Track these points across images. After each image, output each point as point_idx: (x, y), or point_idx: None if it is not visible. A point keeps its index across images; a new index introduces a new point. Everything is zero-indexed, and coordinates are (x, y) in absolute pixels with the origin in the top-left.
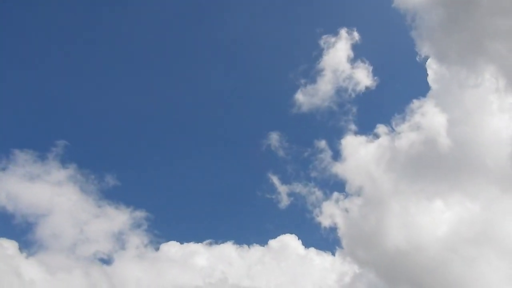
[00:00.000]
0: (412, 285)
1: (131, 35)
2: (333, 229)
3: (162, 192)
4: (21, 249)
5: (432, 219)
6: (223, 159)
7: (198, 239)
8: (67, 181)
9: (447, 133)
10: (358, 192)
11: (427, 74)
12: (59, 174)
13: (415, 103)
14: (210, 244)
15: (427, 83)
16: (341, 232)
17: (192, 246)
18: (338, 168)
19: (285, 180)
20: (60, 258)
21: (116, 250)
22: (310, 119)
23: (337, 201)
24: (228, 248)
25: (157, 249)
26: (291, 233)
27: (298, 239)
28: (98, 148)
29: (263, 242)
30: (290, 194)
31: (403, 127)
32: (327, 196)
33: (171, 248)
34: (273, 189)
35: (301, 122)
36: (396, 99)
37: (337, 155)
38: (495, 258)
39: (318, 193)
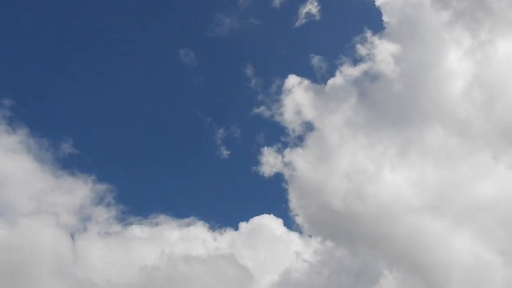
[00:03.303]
0: (370, 248)
1: None
2: (278, 184)
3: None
4: None
5: (382, 179)
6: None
7: (163, 210)
8: (19, 147)
9: (398, 71)
10: (301, 143)
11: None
12: (9, 139)
13: (361, 37)
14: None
15: (376, 14)
16: (287, 187)
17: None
18: (274, 112)
19: (217, 120)
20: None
21: (78, 226)
22: (236, 45)
23: (278, 151)
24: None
25: (124, 226)
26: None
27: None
28: (48, 109)
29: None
30: (226, 139)
31: (348, 64)
32: (267, 141)
33: (138, 224)
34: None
35: (222, 46)
36: (340, 32)
37: (272, 96)
38: (454, 224)
39: (260, 137)
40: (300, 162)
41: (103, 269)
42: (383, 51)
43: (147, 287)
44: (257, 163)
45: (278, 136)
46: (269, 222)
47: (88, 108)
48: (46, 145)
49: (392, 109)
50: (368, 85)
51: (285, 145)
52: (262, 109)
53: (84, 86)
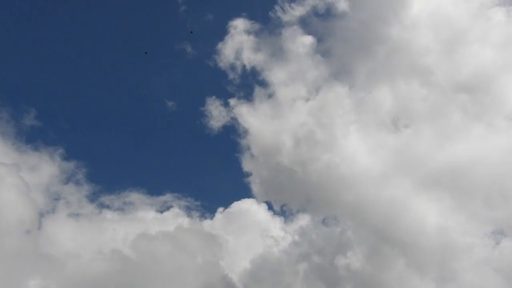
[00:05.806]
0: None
1: None
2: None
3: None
4: None
5: (340, 142)
6: None
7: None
8: None
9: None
10: (249, 96)
11: None
12: None
13: None
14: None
15: None
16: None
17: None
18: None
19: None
20: None
21: (45, 207)
22: None
23: (226, 105)
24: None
25: (98, 206)
26: None
27: None
28: (6, 76)
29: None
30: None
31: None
32: (210, 90)
33: (109, 204)
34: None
35: None
36: None
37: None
38: (423, 190)
39: (202, 84)
40: (249, 116)
41: (70, 247)
42: None
43: (114, 267)
44: (202, 114)
45: (220, 83)
46: (250, 206)
47: (47, 74)
48: (7, 117)
49: (347, 57)
50: (318, 25)
51: (230, 95)
52: (193, 44)
53: (39, 45)
